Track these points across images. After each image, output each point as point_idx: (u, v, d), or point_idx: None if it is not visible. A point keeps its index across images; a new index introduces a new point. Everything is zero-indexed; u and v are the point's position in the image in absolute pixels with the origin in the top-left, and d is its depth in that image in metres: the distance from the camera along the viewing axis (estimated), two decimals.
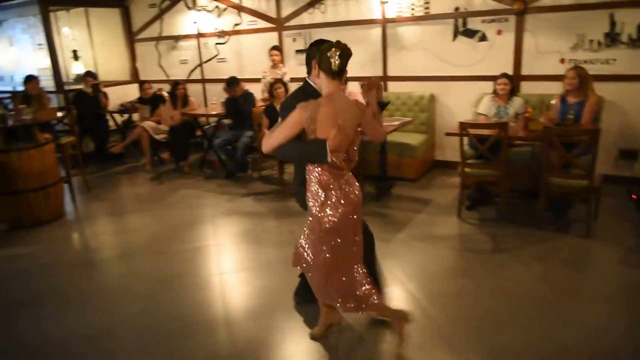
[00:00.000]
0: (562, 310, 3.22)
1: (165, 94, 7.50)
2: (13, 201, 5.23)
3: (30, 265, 4.38)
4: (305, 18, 6.99)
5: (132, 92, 8.74)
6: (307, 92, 2.73)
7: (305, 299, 3.30)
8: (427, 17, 6.06)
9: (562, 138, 4.18)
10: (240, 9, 7.58)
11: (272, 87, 6.06)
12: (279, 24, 7.27)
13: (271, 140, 2.59)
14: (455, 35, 5.97)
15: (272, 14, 7.29)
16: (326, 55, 2.49)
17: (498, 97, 5.18)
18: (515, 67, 5.67)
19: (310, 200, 2.66)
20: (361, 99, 3.53)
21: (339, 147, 2.51)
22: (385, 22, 6.37)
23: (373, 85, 2.73)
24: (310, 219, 2.69)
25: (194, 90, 8.28)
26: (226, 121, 6.88)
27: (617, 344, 2.85)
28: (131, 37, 9.02)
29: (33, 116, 5.29)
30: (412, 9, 6.14)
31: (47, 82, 8.25)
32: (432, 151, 6.42)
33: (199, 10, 7.88)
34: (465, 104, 5.90)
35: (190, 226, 5.07)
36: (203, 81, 8.45)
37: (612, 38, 5.14)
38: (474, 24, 5.82)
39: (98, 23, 9.28)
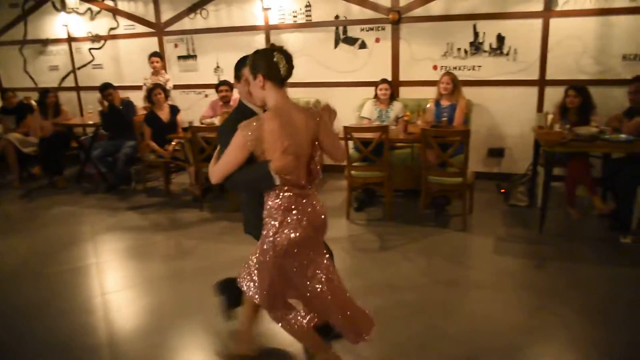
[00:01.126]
0: (444, 301, 3.44)
1: (33, 102, 6.86)
2: None
3: None
4: (186, 23, 6.78)
5: None
6: (244, 113, 2.44)
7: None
8: (309, 25, 6.19)
9: (437, 139, 4.47)
10: (115, 12, 7.16)
11: (150, 93, 5.78)
12: (158, 29, 6.98)
13: (217, 169, 2.31)
14: (336, 43, 6.16)
15: (151, 18, 6.98)
16: (273, 62, 2.22)
17: (379, 101, 5.42)
18: (394, 73, 5.98)
19: (266, 219, 2.36)
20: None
21: (288, 168, 2.23)
22: (268, 29, 6.39)
23: (326, 115, 2.50)
24: (264, 240, 2.37)
25: (67, 98, 7.67)
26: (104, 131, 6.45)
27: (495, 327, 3.09)
28: None
29: None
30: (295, 16, 6.23)
31: None
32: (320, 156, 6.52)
33: (69, 12, 7.32)
34: (349, 109, 6.07)
35: (67, 245, 4.66)
36: (77, 89, 7.86)
37: (476, 47, 5.62)
38: (353, 32, 6.05)
39: None
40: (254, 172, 2.27)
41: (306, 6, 6.15)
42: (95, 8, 7.26)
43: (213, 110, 5.95)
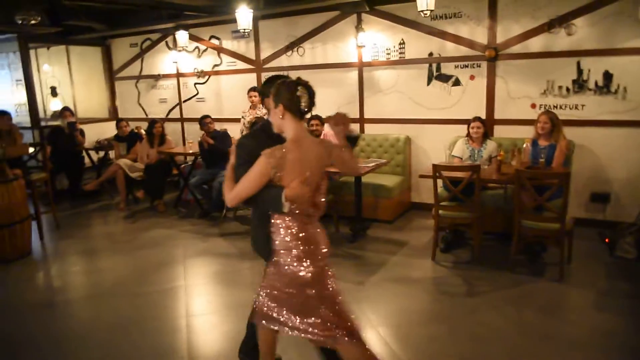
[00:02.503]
0: (534, 356, 3.17)
1: (142, 132, 7.46)
2: None
3: None
4: (283, 60, 7.10)
5: (109, 130, 8.67)
6: (267, 134, 2.49)
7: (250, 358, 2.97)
8: (403, 62, 6.20)
9: (533, 181, 4.23)
10: (220, 50, 7.69)
11: (253, 125, 6.01)
12: (258, 65, 7.36)
13: (236, 193, 2.36)
14: (429, 80, 6.10)
15: (252, 55, 7.40)
16: (294, 95, 2.29)
17: (472, 140, 5.26)
18: (488, 111, 5.79)
19: (280, 251, 2.40)
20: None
21: (301, 197, 2.29)
22: (362, 66, 6.49)
23: (340, 120, 2.55)
24: (278, 271, 2.41)
25: (172, 129, 8.28)
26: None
27: None
28: (111, 75, 9.06)
29: (2, 151, 5.19)
30: (388, 54, 6.29)
31: (23, 118, 8.18)
32: (408, 193, 6.43)
33: (179, 50, 7.95)
34: (440, 147, 5.97)
35: (160, 267, 4.94)
36: (182, 120, 8.46)
37: (579, 85, 5.29)
38: (447, 69, 5.97)
39: (79, 61, 9.30)
40: (266, 195, 2.33)
41: (400, 43, 6.18)
42: (202, 46, 7.84)
43: None
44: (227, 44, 7.60)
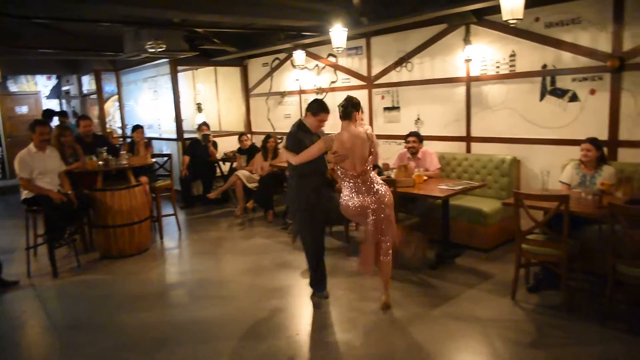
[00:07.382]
0: None
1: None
2: (104, 234, 5.93)
3: (94, 293, 4.88)
4: (393, 76, 6.94)
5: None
6: (302, 129, 4.25)
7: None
8: (513, 75, 5.60)
9: (635, 219, 3.47)
10: (336, 67, 7.83)
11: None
12: (369, 81, 7.32)
13: (300, 158, 4.03)
14: (542, 95, 5.40)
15: (364, 72, 7.38)
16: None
17: (583, 164, 4.54)
18: (612, 130, 4.91)
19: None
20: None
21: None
22: (469, 80, 6.03)
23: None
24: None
25: None
26: None
27: None
28: (247, 92, 9.83)
29: (128, 161, 5.99)
30: (497, 67, 5.73)
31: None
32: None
33: (301, 68, 8.29)
34: (553, 170, 5.21)
35: (240, 275, 5.18)
36: None
37: None
38: (563, 82, 5.22)
39: (223, 80, 10.30)
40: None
41: (510, 55, 5.60)
42: (321, 64, 8.08)
43: (399, 161, 5.90)
44: (343, 61, 7.70)
